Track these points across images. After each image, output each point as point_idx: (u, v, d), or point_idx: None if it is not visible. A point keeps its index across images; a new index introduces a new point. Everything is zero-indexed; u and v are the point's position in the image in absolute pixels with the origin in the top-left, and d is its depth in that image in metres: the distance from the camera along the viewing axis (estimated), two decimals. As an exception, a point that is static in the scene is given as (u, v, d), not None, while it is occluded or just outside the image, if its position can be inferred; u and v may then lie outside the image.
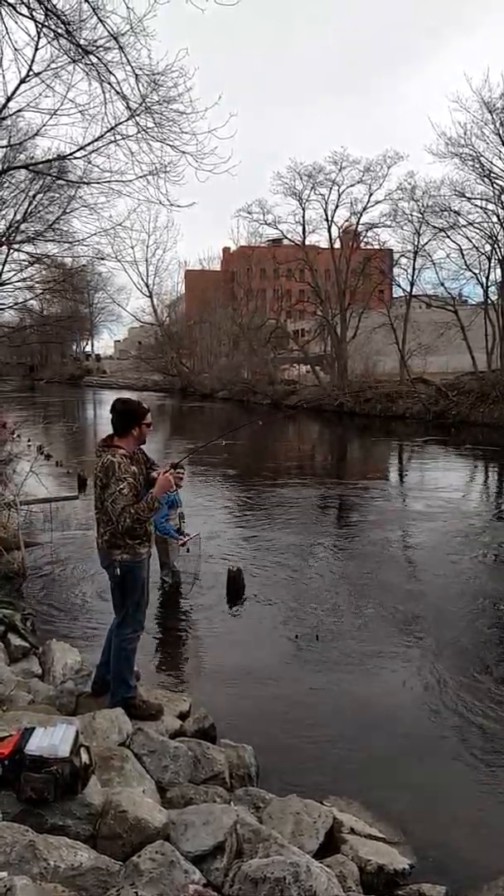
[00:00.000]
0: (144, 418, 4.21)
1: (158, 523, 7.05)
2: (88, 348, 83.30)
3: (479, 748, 4.48)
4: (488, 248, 28.95)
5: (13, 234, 14.16)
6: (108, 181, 9.90)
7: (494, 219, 27.70)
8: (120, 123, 8.54)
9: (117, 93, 7.70)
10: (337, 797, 3.88)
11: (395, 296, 39.66)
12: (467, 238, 29.29)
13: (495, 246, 28.53)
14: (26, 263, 15.86)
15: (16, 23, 6.63)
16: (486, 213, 27.84)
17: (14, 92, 9.07)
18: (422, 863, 3.40)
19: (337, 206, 34.64)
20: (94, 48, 7.17)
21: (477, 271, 29.89)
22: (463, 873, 3.35)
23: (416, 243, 31.81)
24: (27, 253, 14.91)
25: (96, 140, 9.14)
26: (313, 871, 2.59)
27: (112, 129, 8.66)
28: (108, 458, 4.00)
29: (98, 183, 10.17)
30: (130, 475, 4.01)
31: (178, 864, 2.60)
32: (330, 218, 35.05)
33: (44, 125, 9.75)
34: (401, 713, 4.96)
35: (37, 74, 8.53)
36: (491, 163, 25.76)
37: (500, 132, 24.71)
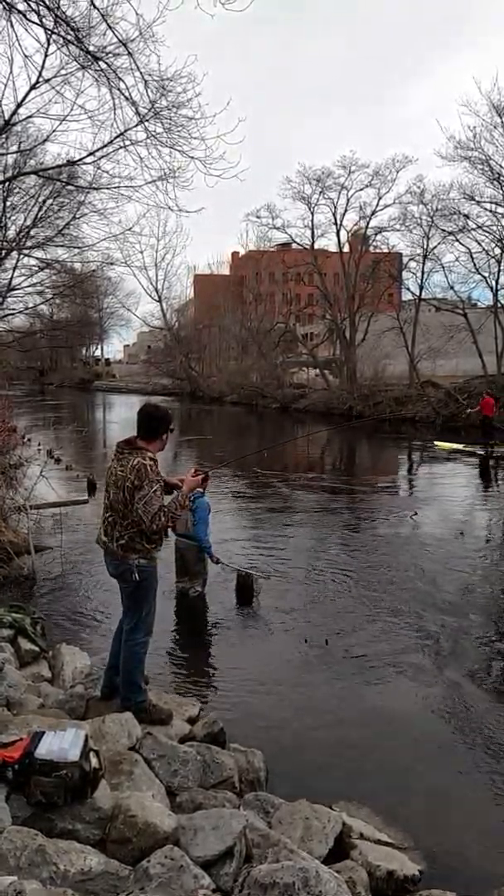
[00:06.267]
0: (171, 424, 4.27)
1: (202, 536, 7.12)
2: (98, 352, 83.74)
3: (490, 754, 4.45)
4: (498, 251, 28.92)
5: (23, 240, 14.26)
6: (118, 186, 9.95)
7: (504, 221, 27.67)
8: (129, 129, 8.59)
9: (126, 98, 7.75)
10: (346, 802, 3.86)
11: (404, 299, 39.69)
12: (476, 241, 29.30)
13: (505, 249, 28.46)
14: (36, 269, 16.00)
15: (26, 30, 6.69)
16: (495, 216, 27.85)
17: (24, 98, 9.14)
18: (431, 869, 3.38)
19: (346, 210, 34.77)
20: (104, 54, 7.22)
21: (486, 274, 29.84)
22: (473, 880, 3.33)
23: (425, 247, 31.88)
24: (37, 258, 15.03)
25: (105, 146, 9.19)
26: (322, 876, 2.58)
27: (121, 134, 8.72)
28: (137, 461, 3.99)
29: (107, 188, 10.24)
30: (160, 478, 4.07)
31: (188, 869, 2.61)
32: (339, 222, 35.17)
33: (53, 131, 9.80)
34: (411, 718, 4.93)
35: (46, 81, 8.59)
36: (500, 166, 25.80)
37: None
